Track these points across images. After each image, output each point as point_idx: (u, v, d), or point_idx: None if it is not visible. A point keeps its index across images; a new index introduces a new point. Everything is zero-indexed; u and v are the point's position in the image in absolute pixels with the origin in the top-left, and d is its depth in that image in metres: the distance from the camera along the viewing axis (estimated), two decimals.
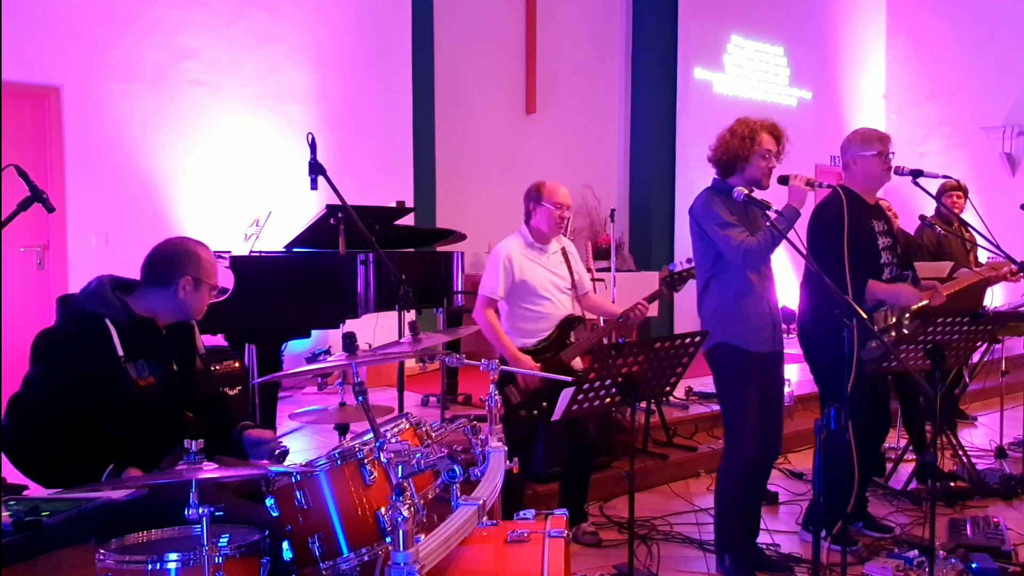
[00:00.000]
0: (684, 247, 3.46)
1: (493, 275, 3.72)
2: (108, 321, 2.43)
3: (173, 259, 2.53)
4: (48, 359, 2.41)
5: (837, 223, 3.38)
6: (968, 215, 4.45)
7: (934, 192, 4.74)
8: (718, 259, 3.31)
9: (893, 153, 3.63)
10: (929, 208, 5.23)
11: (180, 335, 2.65)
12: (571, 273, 3.87)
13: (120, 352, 2.42)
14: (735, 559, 3.39)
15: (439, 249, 5.46)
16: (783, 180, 3.24)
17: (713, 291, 3.35)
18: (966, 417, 6.10)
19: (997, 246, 3.94)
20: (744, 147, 3.25)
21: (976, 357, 5.34)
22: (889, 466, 4.79)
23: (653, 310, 7.80)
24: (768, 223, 3.14)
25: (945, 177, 4.17)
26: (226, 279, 4.44)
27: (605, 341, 5.05)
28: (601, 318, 4.20)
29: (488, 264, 3.80)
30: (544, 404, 3.62)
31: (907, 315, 3.48)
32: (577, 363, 3.90)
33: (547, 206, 3.73)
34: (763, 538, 3.77)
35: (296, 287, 4.39)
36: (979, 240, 3.99)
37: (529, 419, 3.68)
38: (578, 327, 3.88)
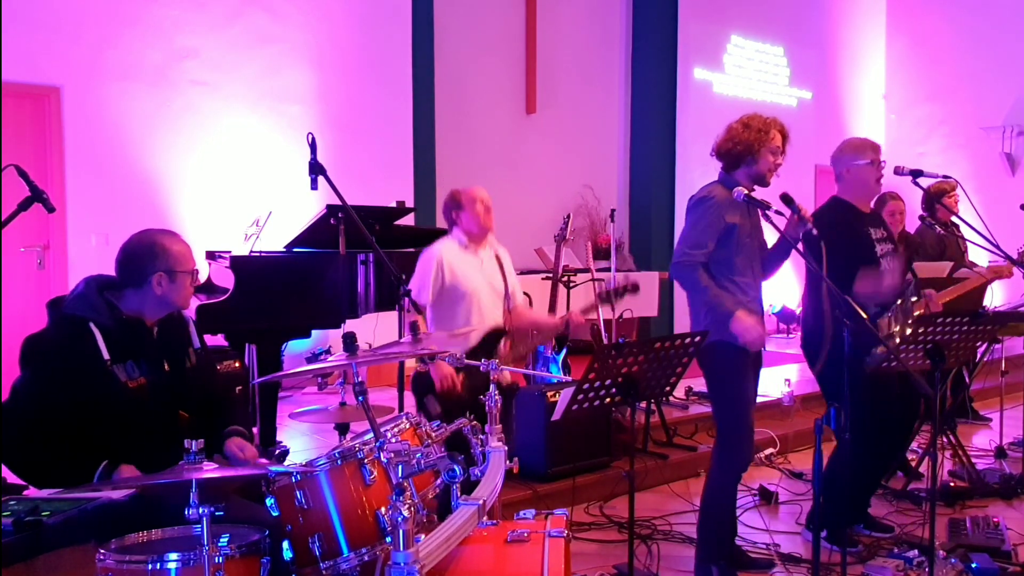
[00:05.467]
0: None
1: (423, 277, 3.59)
2: (92, 324, 2.41)
3: (141, 257, 2.48)
4: (34, 364, 2.40)
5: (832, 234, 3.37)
6: (967, 214, 4.45)
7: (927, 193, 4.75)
8: (715, 248, 3.20)
9: (884, 162, 3.67)
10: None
11: (171, 333, 2.60)
12: (505, 282, 3.77)
13: (106, 355, 2.40)
14: (722, 570, 3.27)
15: None
16: (787, 199, 3.17)
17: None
18: (980, 418, 6.09)
19: (997, 246, 3.94)
20: (758, 140, 3.21)
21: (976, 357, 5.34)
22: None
23: (653, 310, 7.88)
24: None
25: (945, 177, 4.19)
26: (226, 279, 4.44)
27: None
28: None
29: (418, 265, 3.66)
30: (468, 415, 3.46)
31: (910, 320, 3.48)
32: (506, 376, 3.68)
33: (466, 206, 3.67)
34: (763, 538, 3.77)
35: (296, 287, 4.38)
36: (978, 240, 3.99)
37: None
38: (503, 339, 3.70)
